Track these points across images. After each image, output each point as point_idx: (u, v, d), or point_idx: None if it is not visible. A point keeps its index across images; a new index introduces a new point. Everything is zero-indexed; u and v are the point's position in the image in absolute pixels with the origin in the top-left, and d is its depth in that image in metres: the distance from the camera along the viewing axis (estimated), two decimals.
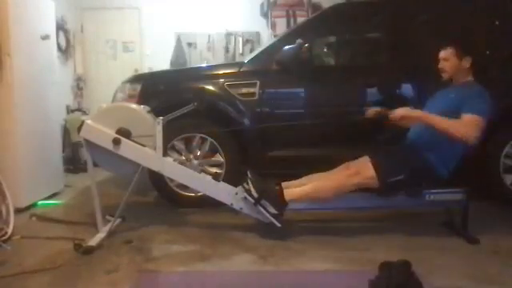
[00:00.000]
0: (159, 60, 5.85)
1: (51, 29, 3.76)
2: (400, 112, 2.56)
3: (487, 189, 3.21)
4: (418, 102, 3.28)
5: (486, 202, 3.19)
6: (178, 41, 6.06)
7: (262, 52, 3.46)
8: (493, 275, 2.14)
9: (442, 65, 2.64)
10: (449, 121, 2.46)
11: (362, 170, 2.56)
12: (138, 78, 3.59)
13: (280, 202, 2.59)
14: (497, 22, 3.31)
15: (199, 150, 3.24)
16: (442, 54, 2.64)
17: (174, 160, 2.80)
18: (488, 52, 3.28)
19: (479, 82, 2.62)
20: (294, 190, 2.63)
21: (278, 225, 2.59)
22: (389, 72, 3.33)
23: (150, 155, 2.64)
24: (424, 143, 2.59)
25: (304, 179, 2.73)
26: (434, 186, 2.62)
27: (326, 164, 2.75)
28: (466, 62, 2.59)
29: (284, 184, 2.68)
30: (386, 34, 3.52)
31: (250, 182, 2.61)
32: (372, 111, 2.79)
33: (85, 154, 2.78)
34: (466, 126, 2.43)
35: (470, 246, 2.52)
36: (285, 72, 3.22)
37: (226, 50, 6.12)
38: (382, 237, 2.65)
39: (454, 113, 2.48)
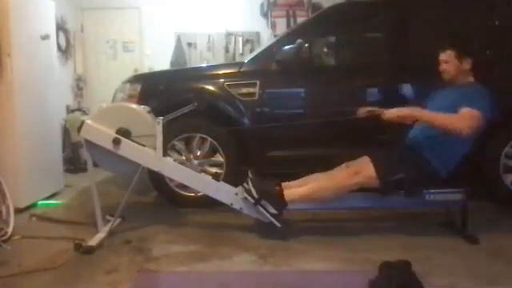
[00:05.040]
0: (159, 60, 5.84)
1: (51, 29, 3.75)
2: (391, 112, 2.56)
3: (487, 189, 3.21)
4: (418, 102, 3.29)
5: (486, 202, 3.19)
6: (178, 41, 6.06)
7: (262, 52, 3.46)
8: (493, 275, 2.14)
9: (443, 67, 2.64)
10: (443, 115, 2.47)
11: (362, 169, 2.56)
12: (137, 78, 3.58)
13: (280, 203, 2.59)
14: (497, 22, 3.31)
15: (199, 149, 3.25)
16: (443, 56, 2.64)
17: (174, 160, 2.80)
18: (488, 52, 3.29)
19: (479, 81, 2.62)
20: (295, 190, 2.63)
21: (278, 225, 2.60)
22: (389, 72, 3.32)
23: (149, 155, 2.64)
24: (425, 143, 2.59)
25: (304, 179, 2.72)
26: (433, 185, 2.61)
27: (326, 164, 2.76)
28: (467, 64, 2.59)
29: (284, 184, 2.68)
30: (386, 33, 3.52)
31: (250, 182, 2.61)
32: (363, 110, 2.78)
33: (85, 154, 2.78)
34: (461, 117, 2.43)
35: (469, 245, 2.52)
36: (285, 72, 3.22)
37: (226, 49, 6.11)
38: (382, 237, 2.65)
39: (453, 110, 2.48)
